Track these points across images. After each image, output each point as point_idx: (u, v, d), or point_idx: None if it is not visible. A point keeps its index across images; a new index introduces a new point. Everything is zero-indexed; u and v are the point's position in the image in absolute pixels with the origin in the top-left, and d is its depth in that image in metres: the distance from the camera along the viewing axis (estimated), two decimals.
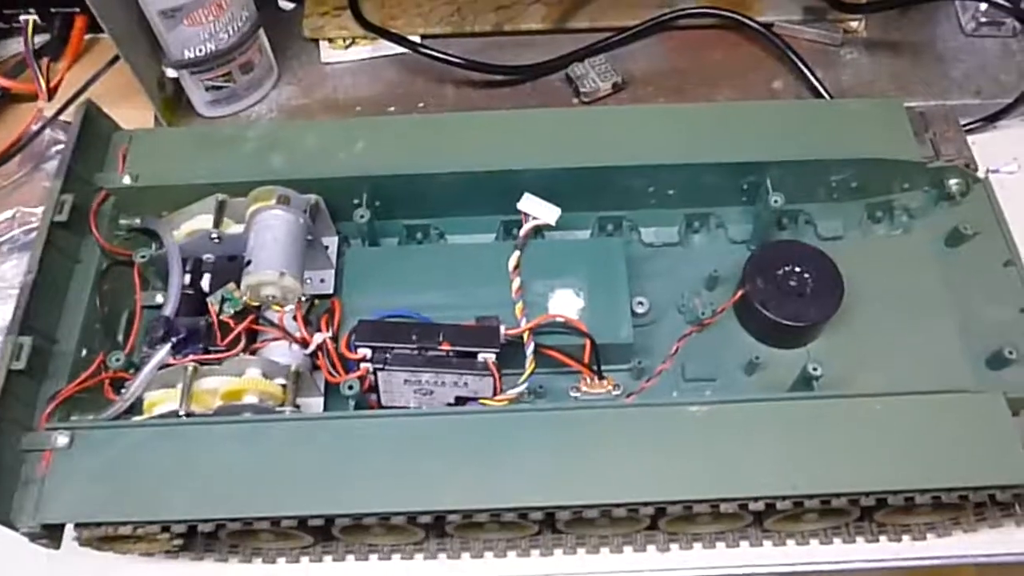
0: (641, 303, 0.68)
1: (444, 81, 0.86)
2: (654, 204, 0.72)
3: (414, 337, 0.60)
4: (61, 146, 0.82)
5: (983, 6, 0.85)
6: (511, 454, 0.56)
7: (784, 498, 0.55)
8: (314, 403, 0.63)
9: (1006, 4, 0.79)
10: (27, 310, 0.59)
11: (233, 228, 0.67)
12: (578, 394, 0.65)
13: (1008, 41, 0.87)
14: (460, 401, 0.62)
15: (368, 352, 0.60)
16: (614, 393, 0.65)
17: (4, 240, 0.77)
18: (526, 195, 0.68)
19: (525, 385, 0.61)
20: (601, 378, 0.65)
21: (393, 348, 0.60)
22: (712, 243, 0.73)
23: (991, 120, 0.81)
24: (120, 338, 0.66)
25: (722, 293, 0.70)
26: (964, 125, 0.75)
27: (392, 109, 0.84)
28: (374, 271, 0.67)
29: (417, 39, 0.87)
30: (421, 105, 0.84)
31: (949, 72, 0.85)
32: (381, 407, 0.63)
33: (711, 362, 0.67)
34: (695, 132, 0.70)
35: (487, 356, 0.60)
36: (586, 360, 0.64)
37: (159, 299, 0.68)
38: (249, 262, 0.61)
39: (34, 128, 0.82)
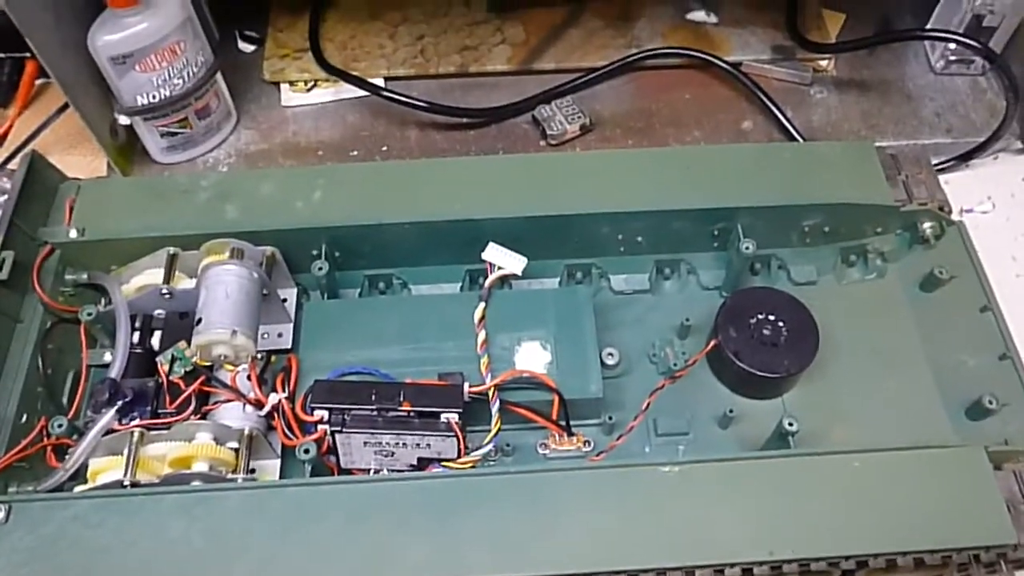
0: (611, 354, 0.66)
1: (408, 124, 0.84)
2: (623, 251, 0.70)
3: (373, 397, 0.57)
4: (6, 196, 0.79)
5: (952, 45, 0.84)
6: (476, 520, 0.53)
7: (761, 563, 0.52)
8: (270, 466, 0.60)
9: (975, 43, 0.79)
10: None
11: (185, 283, 0.64)
12: (547, 451, 0.63)
13: (978, 79, 0.87)
14: (423, 463, 0.59)
15: (325, 414, 0.57)
16: (584, 450, 0.63)
17: None
18: (491, 245, 0.65)
19: (491, 445, 0.58)
20: (571, 434, 0.62)
21: (351, 409, 0.57)
22: (683, 290, 0.71)
23: (963, 159, 0.81)
24: (64, 400, 0.63)
25: (694, 342, 0.68)
26: (936, 165, 0.74)
27: (355, 153, 0.82)
28: (333, 325, 0.65)
29: (380, 82, 0.85)
30: (384, 148, 0.82)
31: (919, 111, 0.84)
32: (340, 470, 0.60)
33: (683, 415, 0.64)
34: (664, 177, 0.68)
35: (450, 416, 0.57)
36: (554, 416, 0.61)
37: (107, 358, 0.65)
38: (200, 320, 0.59)
39: None
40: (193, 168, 0.81)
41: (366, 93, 0.84)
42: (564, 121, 0.82)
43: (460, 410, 0.57)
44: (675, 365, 0.66)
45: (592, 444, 0.63)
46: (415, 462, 0.59)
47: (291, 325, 0.65)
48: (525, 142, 0.83)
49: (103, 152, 0.78)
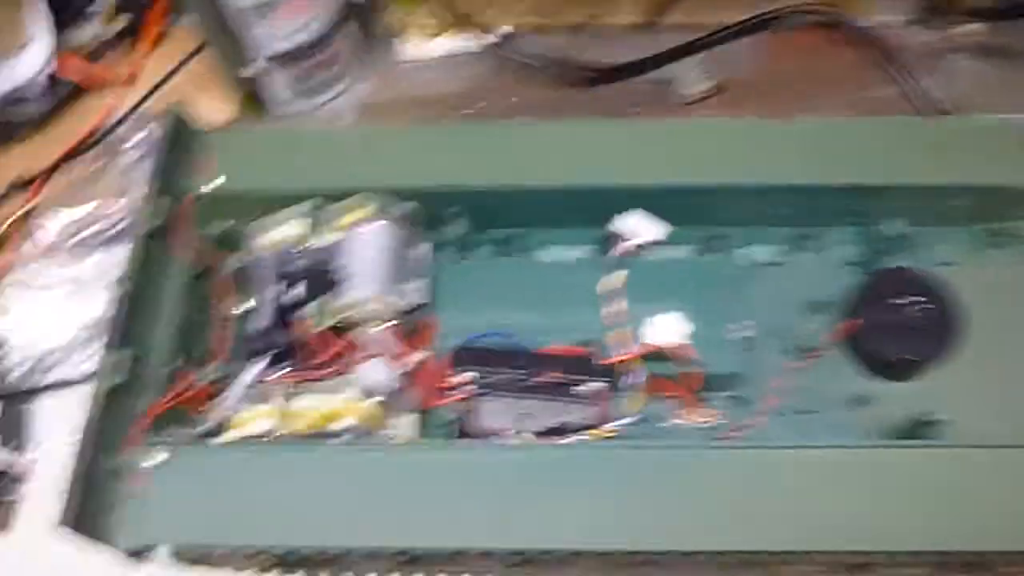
0: (745, 327, 0.65)
1: (532, 78, 0.83)
2: (759, 222, 0.69)
3: (520, 363, 0.58)
4: (140, 136, 0.80)
5: None
6: (620, 491, 0.54)
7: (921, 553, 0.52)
8: (407, 423, 0.62)
9: None
10: (123, 322, 0.57)
11: (327, 237, 0.65)
12: (681, 422, 0.63)
13: None
14: (557, 429, 0.60)
15: (469, 376, 0.58)
16: (717, 423, 0.63)
17: (86, 235, 0.75)
18: (630, 211, 0.65)
19: (632, 418, 0.59)
20: (705, 408, 0.62)
21: (496, 374, 0.58)
22: (819, 265, 0.69)
23: None
24: (209, 350, 0.65)
25: (828, 319, 0.67)
26: None
27: (482, 104, 0.81)
28: (468, 286, 0.65)
29: (504, 32, 0.84)
30: (514, 100, 0.81)
31: None
32: (477, 432, 0.61)
33: (814, 394, 0.64)
34: (804, 150, 0.66)
35: (594, 386, 0.57)
36: (692, 389, 0.61)
37: (248, 310, 0.67)
38: (346, 279, 0.59)
39: (113, 120, 0.80)
40: (317, 117, 0.81)
41: (489, 45, 0.83)
42: (694, 82, 0.80)
43: (604, 380, 0.57)
44: (808, 342, 0.65)
45: (724, 418, 0.63)
46: (549, 428, 0.60)
47: (427, 283, 0.66)
48: (652, 101, 0.81)
49: (232, 98, 0.78)
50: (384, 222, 0.61)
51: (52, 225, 0.76)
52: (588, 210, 0.67)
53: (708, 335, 0.62)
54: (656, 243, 0.66)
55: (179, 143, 0.66)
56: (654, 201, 0.66)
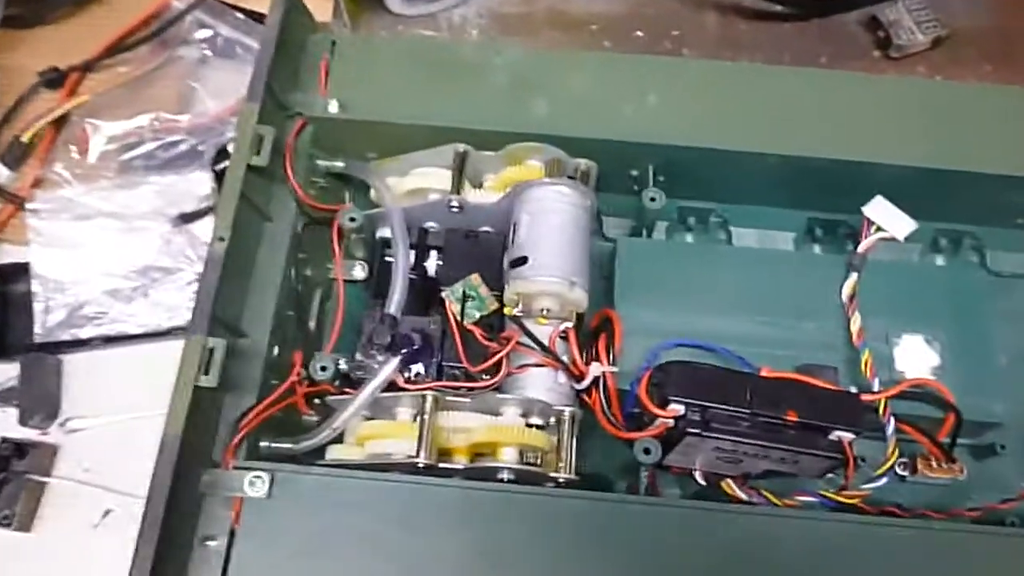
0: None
1: (704, 5, 0.66)
2: (1010, 223, 0.54)
3: (749, 397, 0.43)
4: (206, 32, 0.63)
5: None
6: None
7: None
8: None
9: None
10: (217, 297, 0.41)
11: (474, 193, 0.49)
12: (913, 476, 0.49)
13: None
14: (769, 474, 0.46)
15: (681, 408, 0.43)
16: (960, 478, 0.49)
17: (139, 155, 0.59)
18: (878, 199, 0.49)
19: (884, 480, 0.45)
20: (952, 461, 0.48)
21: (717, 408, 0.43)
22: None
23: None
24: (312, 324, 0.49)
25: None
26: None
27: (639, 34, 0.65)
28: (652, 274, 0.50)
29: None
30: (675, 33, 0.65)
31: None
32: (660, 466, 0.46)
33: None
34: None
35: (843, 435, 0.43)
36: (941, 436, 0.47)
37: (358, 273, 0.51)
38: (524, 259, 0.44)
39: (174, 8, 0.62)
40: (434, 24, 0.64)
41: None
42: (914, 29, 0.64)
43: (859, 430, 0.43)
44: None
45: (966, 473, 0.49)
46: (759, 473, 0.46)
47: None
48: (854, 48, 0.65)
49: None
50: (572, 188, 0.45)
51: (94, 140, 0.59)
52: (805, 186, 0.52)
53: (969, 371, 0.48)
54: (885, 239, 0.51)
55: (291, 44, 0.49)
56: (882, 180, 0.50)
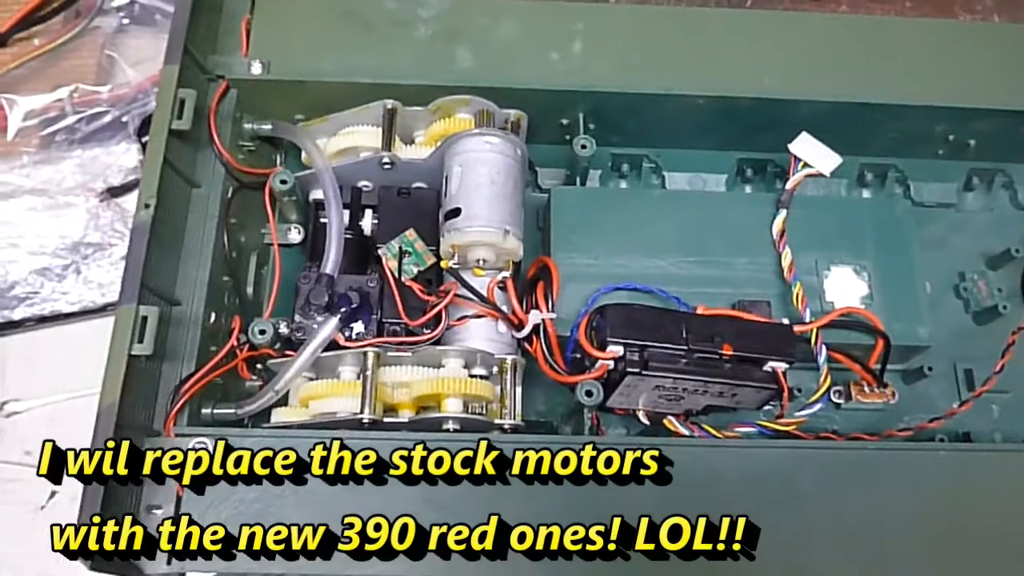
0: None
1: None
2: (932, 153, 0.56)
3: (684, 334, 0.44)
4: (123, 0, 0.61)
5: None
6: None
7: None
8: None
9: None
10: (146, 264, 0.41)
11: (405, 149, 0.49)
12: (846, 402, 0.51)
13: None
14: (710, 410, 0.47)
15: (620, 350, 0.44)
16: (892, 402, 0.51)
17: (60, 128, 0.57)
18: (803, 135, 0.50)
19: (819, 405, 0.46)
20: (883, 385, 0.50)
21: (654, 347, 0.44)
22: (994, 208, 0.57)
23: None
24: (249, 290, 0.49)
25: (1009, 274, 0.55)
26: None
27: None
28: (587, 221, 0.50)
29: None
30: None
31: None
32: (603, 408, 0.47)
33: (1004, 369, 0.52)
34: (1008, 62, 0.53)
35: (776, 366, 0.44)
36: (872, 363, 0.49)
37: (294, 236, 0.51)
38: (458, 211, 0.44)
39: None
40: None
41: None
42: None
43: (791, 359, 0.44)
44: (989, 301, 0.54)
45: (897, 397, 0.51)
46: (702, 410, 0.47)
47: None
48: None
49: None
50: (501, 138, 0.45)
51: (11, 116, 0.57)
52: (730, 126, 0.53)
53: (896, 298, 0.49)
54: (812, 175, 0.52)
55: (208, 3, 0.48)
56: (807, 118, 0.51)
